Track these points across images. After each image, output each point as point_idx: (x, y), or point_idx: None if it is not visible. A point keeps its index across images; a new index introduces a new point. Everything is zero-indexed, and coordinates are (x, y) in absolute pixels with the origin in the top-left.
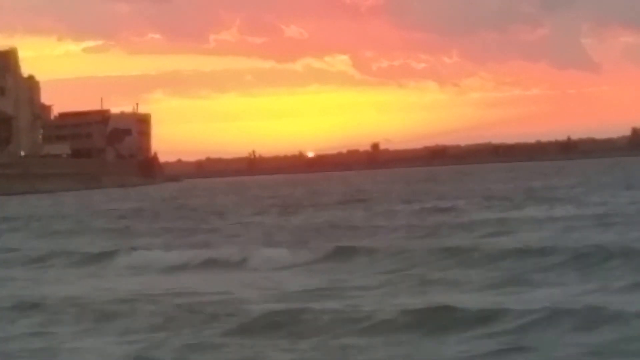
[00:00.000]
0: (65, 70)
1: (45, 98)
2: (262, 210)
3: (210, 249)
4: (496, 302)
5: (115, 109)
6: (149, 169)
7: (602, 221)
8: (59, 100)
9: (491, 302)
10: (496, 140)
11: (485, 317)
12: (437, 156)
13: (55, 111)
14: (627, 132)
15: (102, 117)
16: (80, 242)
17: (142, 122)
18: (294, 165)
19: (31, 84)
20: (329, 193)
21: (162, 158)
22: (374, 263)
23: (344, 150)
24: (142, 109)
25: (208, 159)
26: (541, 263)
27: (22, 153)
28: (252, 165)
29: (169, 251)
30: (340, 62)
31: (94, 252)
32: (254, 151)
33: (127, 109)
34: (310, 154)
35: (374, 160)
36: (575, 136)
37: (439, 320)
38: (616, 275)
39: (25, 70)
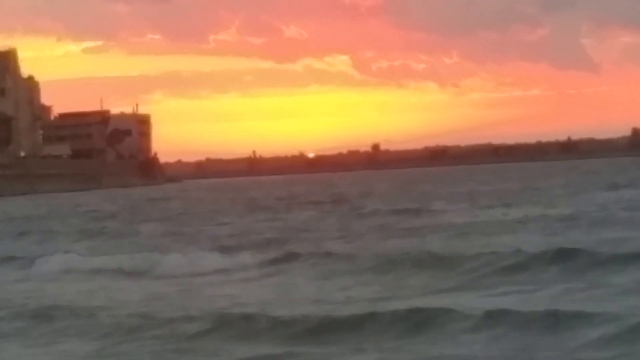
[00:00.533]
0: (65, 70)
1: (45, 98)
2: (240, 212)
3: (129, 254)
4: (440, 307)
5: (115, 110)
6: (149, 169)
7: (565, 224)
8: (58, 101)
9: (433, 307)
10: (496, 140)
11: (426, 322)
12: (438, 157)
13: (55, 112)
14: (627, 132)
15: (102, 118)
16: (36, 244)
17: (142, 123)
18: (295, 166)
19: (31, 85)
20: (323, 193)
21: (162, 159)
22: (306, 270)
23: (345, 151)
24: (142, 110)
25: (208, 160)
26: (490, 267)
27: (22, 154)
28: (253, 166)
29: (94, 256)
30: (340, 62)
31: (32, 255)
32: (254, 152)
33: (127, 109)
34: (311, 155)
35: (374, 160)
36: (575, 136)
37: (362, 327)
38: (558, 280)
39: (25, 70)
